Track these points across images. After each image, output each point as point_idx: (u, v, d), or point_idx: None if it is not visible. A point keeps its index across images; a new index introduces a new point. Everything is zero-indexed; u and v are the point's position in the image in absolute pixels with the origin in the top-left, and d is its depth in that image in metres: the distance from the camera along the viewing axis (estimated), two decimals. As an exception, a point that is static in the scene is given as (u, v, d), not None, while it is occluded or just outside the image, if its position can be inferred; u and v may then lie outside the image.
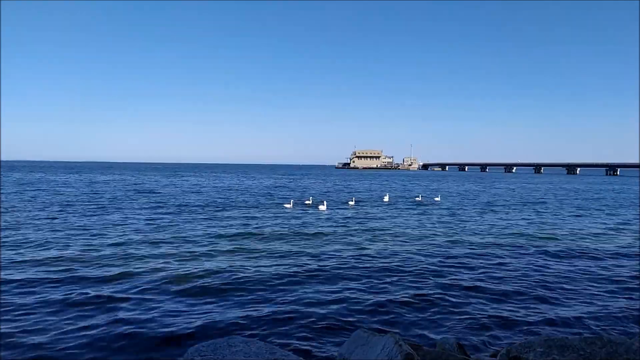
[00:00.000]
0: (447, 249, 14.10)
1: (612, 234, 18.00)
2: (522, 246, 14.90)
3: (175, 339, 6.61)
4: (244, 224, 18.97)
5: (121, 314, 7.60)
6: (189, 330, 6.93)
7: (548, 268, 11.66)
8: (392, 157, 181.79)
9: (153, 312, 7.76)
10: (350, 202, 29.74)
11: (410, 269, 11.28)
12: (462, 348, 5.38)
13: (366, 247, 14.31)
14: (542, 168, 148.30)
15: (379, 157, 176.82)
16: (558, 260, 12.75)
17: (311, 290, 9.27)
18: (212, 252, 12.89)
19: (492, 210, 27.36)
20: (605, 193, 46.44)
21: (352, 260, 12.21)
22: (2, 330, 6.80)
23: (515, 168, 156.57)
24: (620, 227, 20.31)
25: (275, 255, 12.74)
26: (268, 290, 9.17)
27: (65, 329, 6.91)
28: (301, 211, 24.66)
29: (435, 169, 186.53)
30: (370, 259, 12.43)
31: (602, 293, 9.41)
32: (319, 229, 18.02)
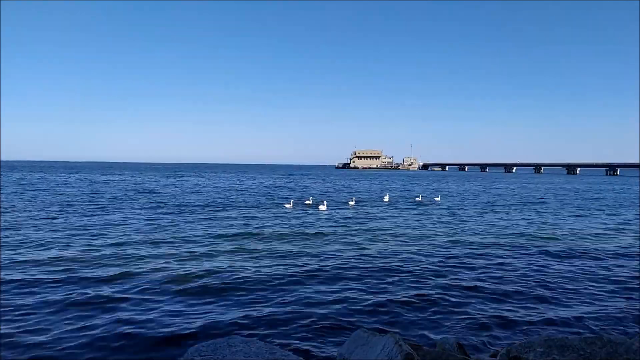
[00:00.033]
0: (447, 249, 14.11)
1: (612, 234, 18.00)
2: (522, 246, 14.90)
3: (175, 339, 6.61)
4: (244, 224, 18.97)
5: (121, 314, 7.60)
6: (189, 330, 6.93)
7: (548, 268, 11.66)
8: (392, 157, 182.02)
9: (153, 312, 7.76)
10: (351, 202, 29.74)
11: (411, 269, 11.28)
12: (462, 348, 5.38)
13: (366, 247, 14.31)
14: (542, 168, 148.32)
15: (379, 157, 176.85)
16: (558, 260, 12.75)
17: (311, 290, 9.27)
18: (212, 252, 12.89)
19: (492, 210, 27.36)
20: (605, 193, 46.44)
21: (352, 260, 12.21)
22: (2, 330, 6.80)
23: (515, 168, 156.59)
24: (621, 227, 20.31)
25: (276, 255, 12.74)
26: (268, 290, 9.17)
27: (65, 329, 6.91)
28: (301, 211, 24.66)
29: (435, 169, 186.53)
30: (371, 259, 12.43)
31: (602, 293, 9.41)
32: (319, 229, 18.02)
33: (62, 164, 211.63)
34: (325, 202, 27.06)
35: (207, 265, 11.25)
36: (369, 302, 8.50)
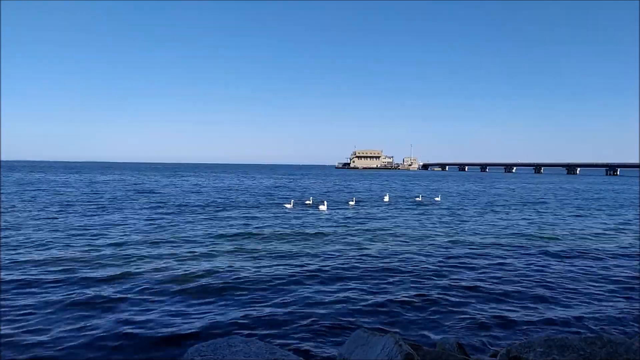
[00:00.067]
0: (447, 249, 14.11)
1: (612, 234, 18.00)
2: (522, 246, 14.90)
3: (175, 339, 6.61)
4: (244, 224, 18.97)
5: (121, 314, 7.60)
6: (189, 330, 6.93)
7: (548, 268, 11.66)
8: (392, 157, 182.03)
9: (153, 312, 7.76)
10: (351, 202, 29.75)
11: (411, 269, 11.28)
12: (462, 348, 5.38)
13: (366, 247, 14.32)
14: (542, 168, 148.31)
15: (379, 157, 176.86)
16: (558, 260, 12.75)
17: (311, 290, 9.28)
18: (212, 252, 12.89)
19: (492, 210, 27.36)
20: (606, 193, 46.44)
21: (352, 260, 12.21)
22: (2, 330, 6.81)
23: (515, 168, 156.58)
24: (621, 227, 20.31)
25: (276, 255, 12.74)
26: (268, 290, 9.17)
27: (65, 329, 6.91)
28: (301, 211, 24.67)
29: (435, 169, 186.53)
30: (371, 259, 12.43)
31: (602, 293, 9.41)
32: (319, 229, 18.02)
33: (62, 164, 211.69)
34: (325, 202, 27.06)
35: (207, 265, 11.25)
36: (369, 302, 8.50)
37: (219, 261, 11.78)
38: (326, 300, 8.56)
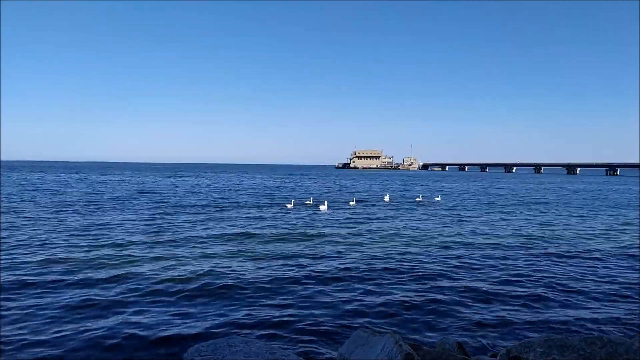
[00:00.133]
0: (448, 249, 14.11)
1: (613, 234, 18.00)
2: (522, 246, 14.90)
3: (175, 339, 6.62)
4: (244, 224, 18.97)
5: (121, 314, 7.60)
6: (189, 331, 6.94)
7: (548, 268, 11.66)
8: (392, 157, 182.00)
9: (153, 312, 7.77)
10: (351, 202, 29.75)
11: (411, 269, 11.28)
12: (462, 348, 5.38)
13: (367, 247, 14.32)
14: (542, 168, 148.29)
15: (379, 157, 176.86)
16: (558, 260, 12.75)
17: (311, 290, 9.28)
18: (212, 253, 12.90)
19: (492, 210, 27.36)
20: (606, 193, 46.44)
21: (352, 260, 12.22)
22: (3, 331, 6.81)
23: (515, 168, 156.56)
24: (621, 227, 20.31)
25: (276, 255, 12.74)
26: (268, 291, 9.17)
27: (65, 329, 6.92)
28: (302, 211, 24.67)
29: (435, 169, 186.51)
30: (371, 259, 12.44)
31: (602, 293, 9.41)
32: (320, 229, 18.02)
33: (62, 164, 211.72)
34: (325, 202, 27.06)
35: (207, 265, 11.26)
36: (369, 302, 8.50)
37: (219, 261, 11.78)
38: (326, 300, 8.56)
